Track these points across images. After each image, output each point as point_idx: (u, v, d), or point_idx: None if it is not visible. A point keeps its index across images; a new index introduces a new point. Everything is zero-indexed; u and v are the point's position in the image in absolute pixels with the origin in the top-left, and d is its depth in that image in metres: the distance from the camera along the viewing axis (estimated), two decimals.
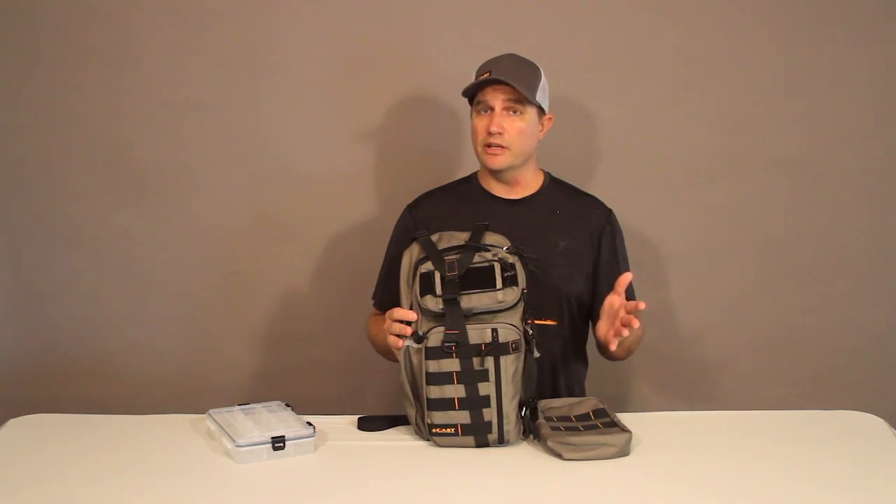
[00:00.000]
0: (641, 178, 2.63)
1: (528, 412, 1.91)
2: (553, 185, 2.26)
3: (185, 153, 2.64)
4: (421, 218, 2.23)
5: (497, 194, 2.23)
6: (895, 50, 2.58)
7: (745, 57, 2.59)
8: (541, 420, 1.92)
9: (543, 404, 2.01)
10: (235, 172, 2.65)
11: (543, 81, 2.17)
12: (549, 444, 1.84)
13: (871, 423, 2.01)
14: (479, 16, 2.59)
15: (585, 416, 1.97)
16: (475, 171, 2.29)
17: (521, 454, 1.87)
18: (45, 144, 2.63)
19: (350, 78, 2.62)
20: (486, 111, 2.14)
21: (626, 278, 1.97)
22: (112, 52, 2.59)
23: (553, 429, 1.89)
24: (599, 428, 1.91)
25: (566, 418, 1.97)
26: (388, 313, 1.98)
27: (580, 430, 1.90)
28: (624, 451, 1.84)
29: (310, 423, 1.91)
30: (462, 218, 2.13)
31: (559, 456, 1.82)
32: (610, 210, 2.26)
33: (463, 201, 2.25)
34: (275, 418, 1.95)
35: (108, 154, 2.63)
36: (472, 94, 2.16)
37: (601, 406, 1.99)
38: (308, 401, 2.20)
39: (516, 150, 2.14)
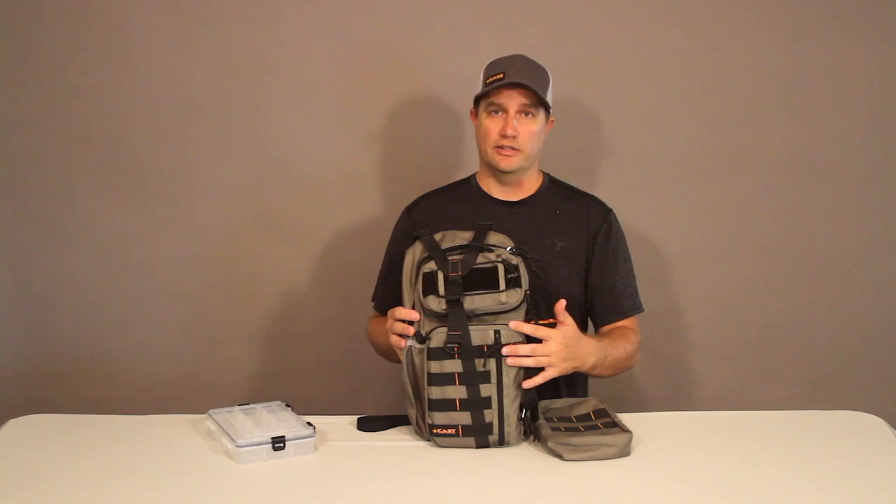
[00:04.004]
0: (642, 178, 2.63)
1: (528, 414, 1.91)
2: (552, 185, 2.26)
3: (186, 153, 2.64)
4: (419, 219, 2.22)
5: (496, 196, 2.23)
6: (895, 50, 2.59)
7: (745, 57, 2.59)
8: (541, 421, 1.92)
9: (544, 405, 2.01)
10: (235, 172, 2.65)
11: (551, 84, 2.17)
12: (550, 444, 1.84)
13: (871, 423, 2.00)
14: (480, 17, 2.59)
15: (586, 417, 1.97)
16: (474, 172, 2.29)
17: (522, 455, 1.87)
18: (45, 144, 2.63)
19: (350, 78, 2.62)
20: (498, 112, 2.13)
21: (559, 306, 1.95)
22: (112, 52, 2.59)
23: (553, 429, 1.89)
24: (600, 428, 1.90)
25: (567, 419, 1.97)
26: (389, 312, 1.98)
27: (581, 430, 1.90)
28: (624, 452, 1.84)
29: (310, 423, 1.91)
30: (460, 219, 2.13)
31: (559, 457, 1.82)
32: (609, 210, 2.24)
33: (461, 203, 2.24)
34: (275, 418, 1.95)
35: (108, 154, 2.64)
36: (483, 94, 2.14)
37: (602, 406, 1.99)
38: (308, 401, 2.20)
39: (527, 153, 2.14)
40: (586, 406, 2.00)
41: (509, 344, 1.87)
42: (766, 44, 2.59)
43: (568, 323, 1.95)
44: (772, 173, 2.63)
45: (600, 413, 1.97)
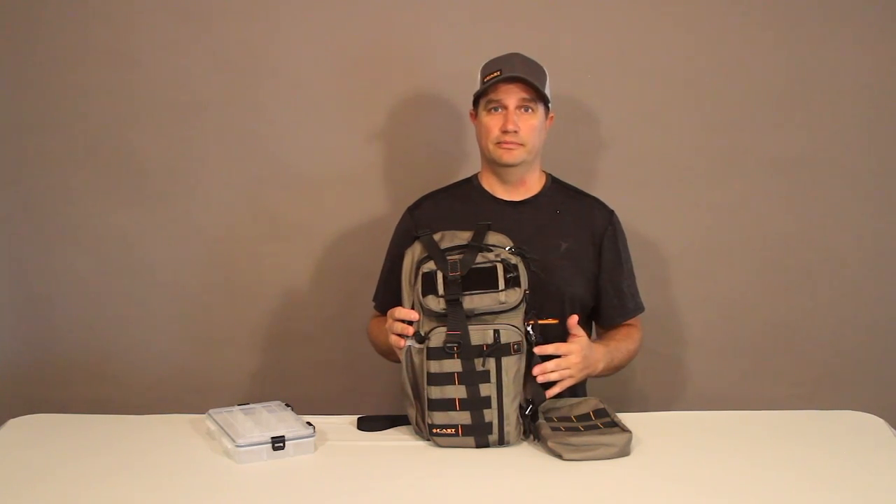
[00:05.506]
0: (642, 178, 2.63)
1: (528, 413, 1.91)
2: (554, 186, 2.26)
3: (186, 153, 2.64)
4: (422, 220, 2.22)
5: (498, 196, 2.23)
6: (895, 50, 2.58)
7: (745, 57, 2.59)
8: (541, 420, 1.93)
9: (544, 405, 2.01)
10: (235, 172, 2.65)
11: (548, 80, 2.18)
12: (550, 444, 1.84)
13: (871, 423, 2.01)
14: (480, 16, 2.59)
15: (586, 417, 1.97)
16: (475, 173, 2.29)
17: (521, 454, 1.87)
18: (45, 144, 2.63)
19: (351, 78, 2.62)
20: (497, 109, 2.13)
21: (572, 320, 2.04)
22: (112, 52, 2.59)
23: (553, 429, 1.89)
24: (600, 428, 1.91)
25: (566, 419, 1.97)
26: (389, 312, 1.98)
27: (580, 430, 1.90)
28: (624, 452, 1.84)
29: (310, 423, 1.91)
30: (463, 220, 2.12)
31: (559, 456, 1.82)
32: (612, 211, 2.25)
33: (464, 203, 2.24)
34: (275, 418, 1.95)
35: (108, 154, 2.64)
36: (482, 92, 2.15)
37: (602, 406, 2.00)
38: (308, 401, 2.20)
39: (529, 147, 2.14)
40: (586, 406, 2.01)
41: (530, 359, 1.93)
42: (766, 44, 2.59)
43: (581, 335, 2.03)
44: (772, 173, 2.63)
45: (600, 413, 1.97)
